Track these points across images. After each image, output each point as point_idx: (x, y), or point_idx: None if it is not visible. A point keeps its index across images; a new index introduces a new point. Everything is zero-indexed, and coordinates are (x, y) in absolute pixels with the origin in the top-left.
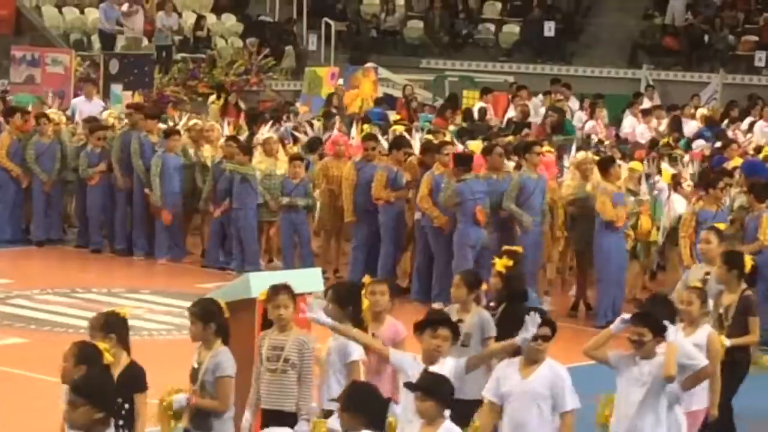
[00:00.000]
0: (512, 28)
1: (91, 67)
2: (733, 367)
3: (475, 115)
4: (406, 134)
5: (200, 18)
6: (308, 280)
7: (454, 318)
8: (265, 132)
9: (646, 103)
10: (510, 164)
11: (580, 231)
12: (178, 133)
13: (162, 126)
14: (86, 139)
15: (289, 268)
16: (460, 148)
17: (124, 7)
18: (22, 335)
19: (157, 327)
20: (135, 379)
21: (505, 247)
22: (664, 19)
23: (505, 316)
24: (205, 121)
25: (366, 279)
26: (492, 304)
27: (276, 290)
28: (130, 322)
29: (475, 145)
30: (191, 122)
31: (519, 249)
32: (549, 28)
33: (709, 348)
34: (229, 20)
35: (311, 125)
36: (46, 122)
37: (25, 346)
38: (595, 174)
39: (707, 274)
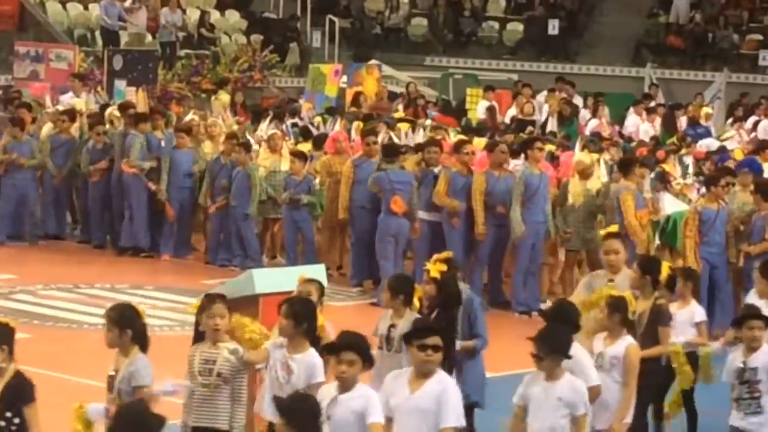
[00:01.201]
0: (516, 26)
1: (95, 63)
2: (644, 380)
3: (482, 114)
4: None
5: (204, 14)
6: (312, 276)
7: (387, 323)
8: (264, 128)
9: (650, 102)
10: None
11: (581, 230)
12: (188, 130)
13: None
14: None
15: (292, 265)
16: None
17: (127, 3)
18: (25, 331)
19: (159, 323)
20: (22, 390)
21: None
22: (668, 18)
23: (440, 322)
24: (209, 118)
25: (300, 278)
26: (426, 310)
27: (211, 300)
28: None
29: (479, 143)
30: (188, 118)
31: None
32: (553, 27)
33: (625, 361)
34: (233, 17)
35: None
36: (65, 119)
37: (28, 341)
38: (595, 174)
39: (611, 281)
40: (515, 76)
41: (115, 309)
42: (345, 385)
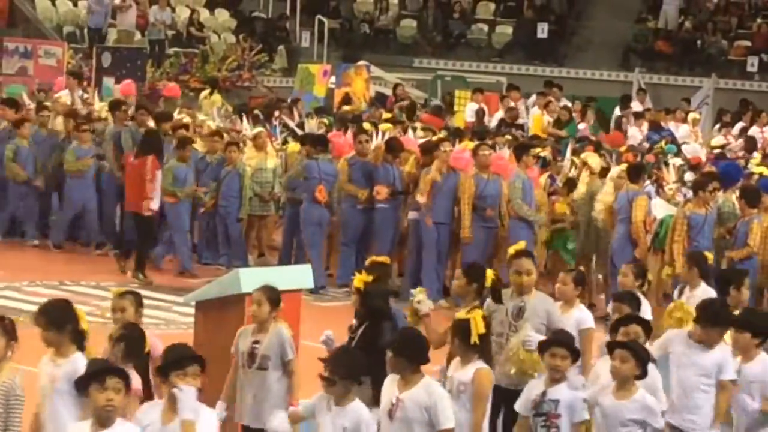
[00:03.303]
0: (505, 29)
1: (84, 60)
2: None
3: (471, 117)
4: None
5: (193, 13)
6: (299, 276)
7: (249, 339)
8: (248, 126)
9: (638, 107)
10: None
11: (583, 235)
12: (185, 127)
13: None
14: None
15: (287, 263)
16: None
17: (117, 0)
18: None
19: (145, 321)
20: None
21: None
22: (657, 23)
23: (365, 337)
24: (198, 117)
25: (114, 292)
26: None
27: None
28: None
29: (467, 144)
30: (179, 116)
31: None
32: (542, 30)
33: (472, 386)
34: (222, 16)
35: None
36: (47, 113)
37: None
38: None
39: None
40: (504, 79)
41: None
42: (108, 418)
